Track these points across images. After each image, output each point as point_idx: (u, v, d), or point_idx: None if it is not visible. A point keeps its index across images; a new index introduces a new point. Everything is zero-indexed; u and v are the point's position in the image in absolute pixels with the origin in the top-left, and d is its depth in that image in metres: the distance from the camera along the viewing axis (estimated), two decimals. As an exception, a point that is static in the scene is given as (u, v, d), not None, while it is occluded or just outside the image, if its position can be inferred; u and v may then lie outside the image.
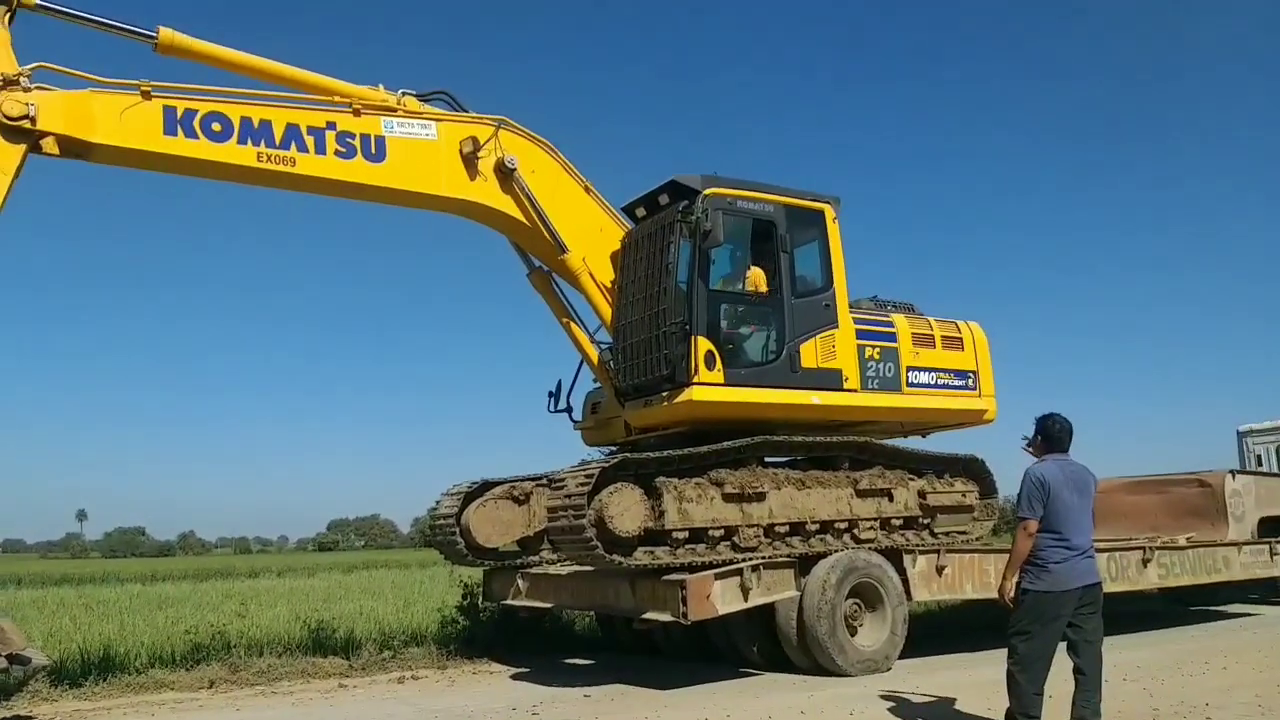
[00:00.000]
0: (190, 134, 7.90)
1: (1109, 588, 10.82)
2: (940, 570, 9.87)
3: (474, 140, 9.20)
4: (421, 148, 9.02)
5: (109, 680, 9.28)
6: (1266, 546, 13.49)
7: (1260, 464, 17.63)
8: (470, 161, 9.23)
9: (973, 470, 10.77)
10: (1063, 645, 5.93)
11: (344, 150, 8.58)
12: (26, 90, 7.32)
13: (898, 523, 10.05)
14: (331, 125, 8.56)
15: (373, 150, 8.73)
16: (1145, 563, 11.66)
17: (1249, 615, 13.67)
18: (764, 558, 8.90)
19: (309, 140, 8.42)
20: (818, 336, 9.67)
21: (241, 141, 8.12)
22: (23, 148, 7.28)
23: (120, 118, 7.64)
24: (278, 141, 8.27)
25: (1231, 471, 14.22)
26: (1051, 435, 6.14)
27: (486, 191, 9.38)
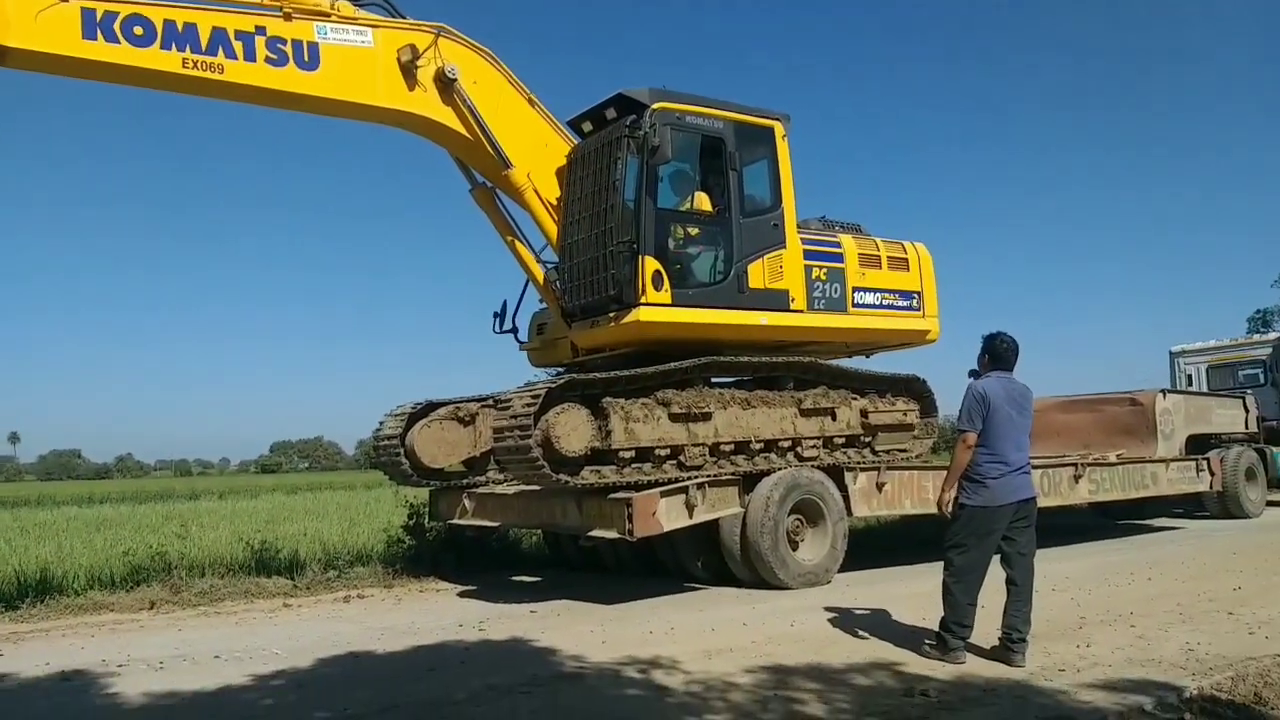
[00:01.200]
0: (111, 38, 7.42)
1: (1042, 503, 11.12)
2: (880, 487, 10.07)
3: (412, 48, 8.84)
4: (357, 55, 8.63)
5: (46, 602, 9.15)
6: (1193, 463, 14.01)
7: (1191, 384, 18.18)
8: (408, 71, 8.86)
9: (914, 390, 10.95)
10: (996, 557, 6.11)
11: (275, 57, 8.15)
12: None
13: (840, 441, 10.20)
14: (261, 30, 8.11)
15: (305, 57, 8.30)
16: (1077, 479, 12.03)
17: (1174, 529, 14.23)
18: (709, 476, 8.99)
19: (237, 46, 7.97)
20: (765, 257, 9.62)
21: (165, 47, 7.65)
22: None
23: (35, 20, 7.14)
24: (204, 47, 7.81)
25: (1162, 391, 14.67)
26: (998, 353, 6.24)
27: (425, 102, 9.04)
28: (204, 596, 9.65)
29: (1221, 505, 14.85)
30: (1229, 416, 15.70)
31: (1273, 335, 19.36)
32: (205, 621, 8.73)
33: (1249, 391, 16.70)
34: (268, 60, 8.13)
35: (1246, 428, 15.87)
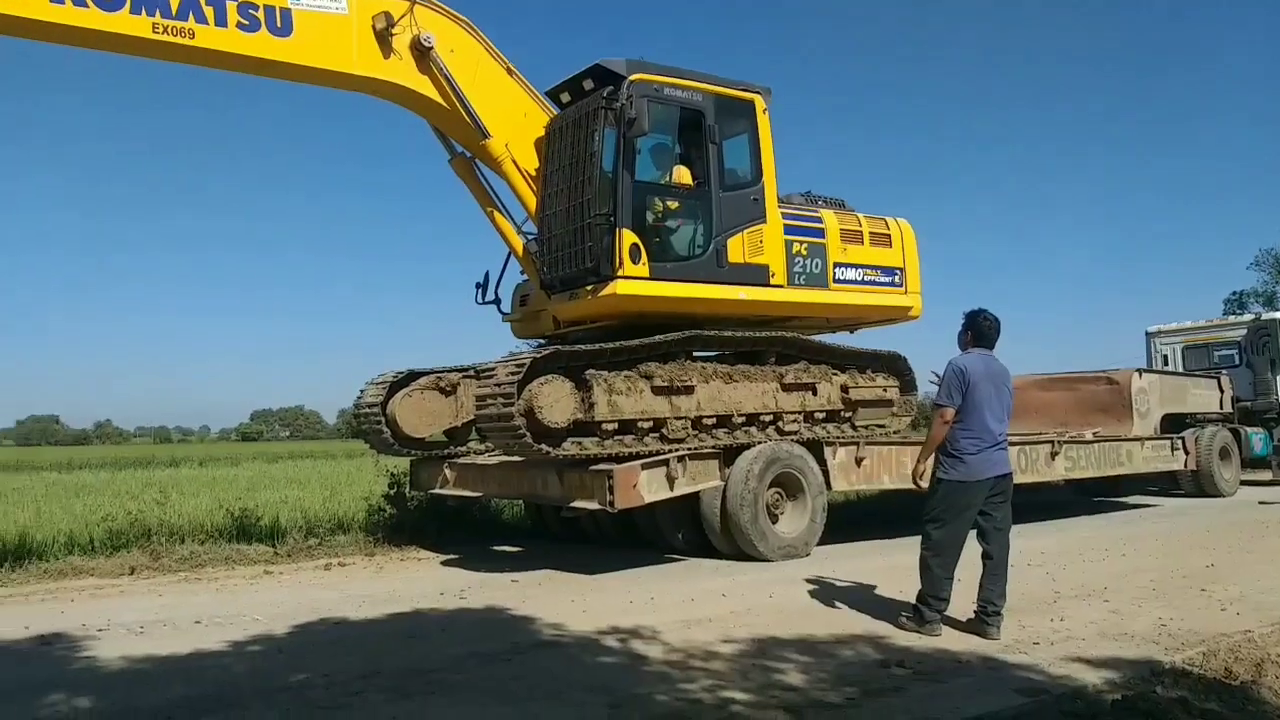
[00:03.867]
0: (79, 1, 7.26)
1: (1019, 479, 11.23)
2: (859, 462, 10.14)
3: (387, 15, 8.68)
4: (331, 22, 8.47)
5: (25, 567, 9.14)
6: (1168, 441, 14.18)
7: (1167, 363, 18.34)
8: (384, 38, 8.71)
9: (894, 366, 11.01)
10: (972, 532, 6.18)
11: (246, 22, 7.99)
12: None
13: (820, 416, 10.27)
14: None
15: (278, 23, 8.14)
16: (1053, 456, 12.15)
17: (1149, 506, 14.40)
18: (689, 449, 9.03)
19: (208, 10, 7.80)
20: (745, 231, 9.63)
21: (135, 11, 7.48)
22: None
23: None
24: (174, 11, 7.63)
25: (1139, 370, 14.81)
26: (980, 330, 6.27)
27: (401, 71, 8.92)
28: (184, 563, 9.65)
29: (1196, 484, 15.03)
30: (1204, 396, 15.87)
31: (1248, 316, 19.50)
32: (186, 587, 8.73)
33: (1224, 372, 16.86)
34: (239, 25, 7.96)
35: (1221, 408, 16.05)
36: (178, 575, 9.29)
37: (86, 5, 7.31)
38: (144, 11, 7.53)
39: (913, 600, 6.26)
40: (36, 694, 5.03)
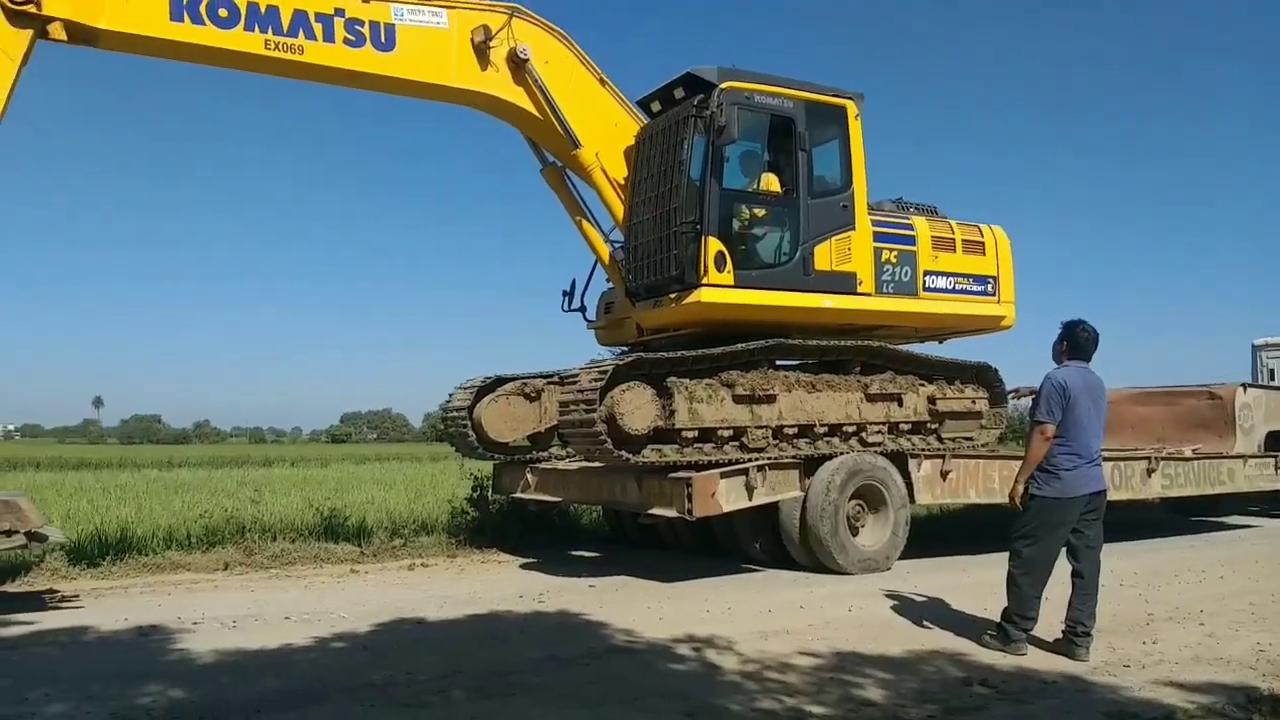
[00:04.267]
0: (196, 20, 7.70)
1: (1113, 496, 10.84)
2: (945, 475, 9.93)
3: (486, 29, 8.91)
4: (432, 36, 8.76)
5: (125, 561, 9.50)
6: (1272, 460, 13.54)
7: (1273, 377, 17.59)
8: (482, 51, 8.95)
9: (984, 378, 10.74)
10: (1062, 550, 6.01)
11: (353, 38, 8.34)
12: None
13: (906, 427, 10.08)
14: (340, 12, 8.29)
15: (382, 38, 8.47)
16: (1150, 473, 11.72)
17: (1249, 527, 13.80)
18: (769, 458, 8.97)
19: (317, 28, 8.18)
20: (833, 238, 9.53)
21: (249, 28, 7.90)
22: (29, 33, 7.15)
23: (127, 2, 7.46)
24: (285, 29, 8.04)
25: (1243, 385, 14.20)
26: (1078, 342, 6.10)
27: (497, 83, 9.13)
28: (275, 560, 9.95)
29: (1301, 504, 14.34)
30: (1314, 413, 15.12)
31: (1363, 330, 18.58)
32: (276, 584, 9.00)
33: (1336, 388, 16.06)
34: (346, 41, 8.31)
35: (1332, 425, 15.27)
36: (269, 572, 9.59)
37: (204, 23, 7.73)
38: (257, 29, 7.93)
39: (998, 618, 6.12)
40: (134, 684, 5.24)
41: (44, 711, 4.75)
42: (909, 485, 9.67)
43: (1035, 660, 5.75)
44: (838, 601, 7.67)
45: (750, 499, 8.79)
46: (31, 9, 7.09)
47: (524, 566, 10.02)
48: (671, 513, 8.55)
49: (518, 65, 9.14)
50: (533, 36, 9.28)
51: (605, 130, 9.81)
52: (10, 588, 8.43)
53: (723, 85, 9.02)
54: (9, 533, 7.01)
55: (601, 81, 9.82)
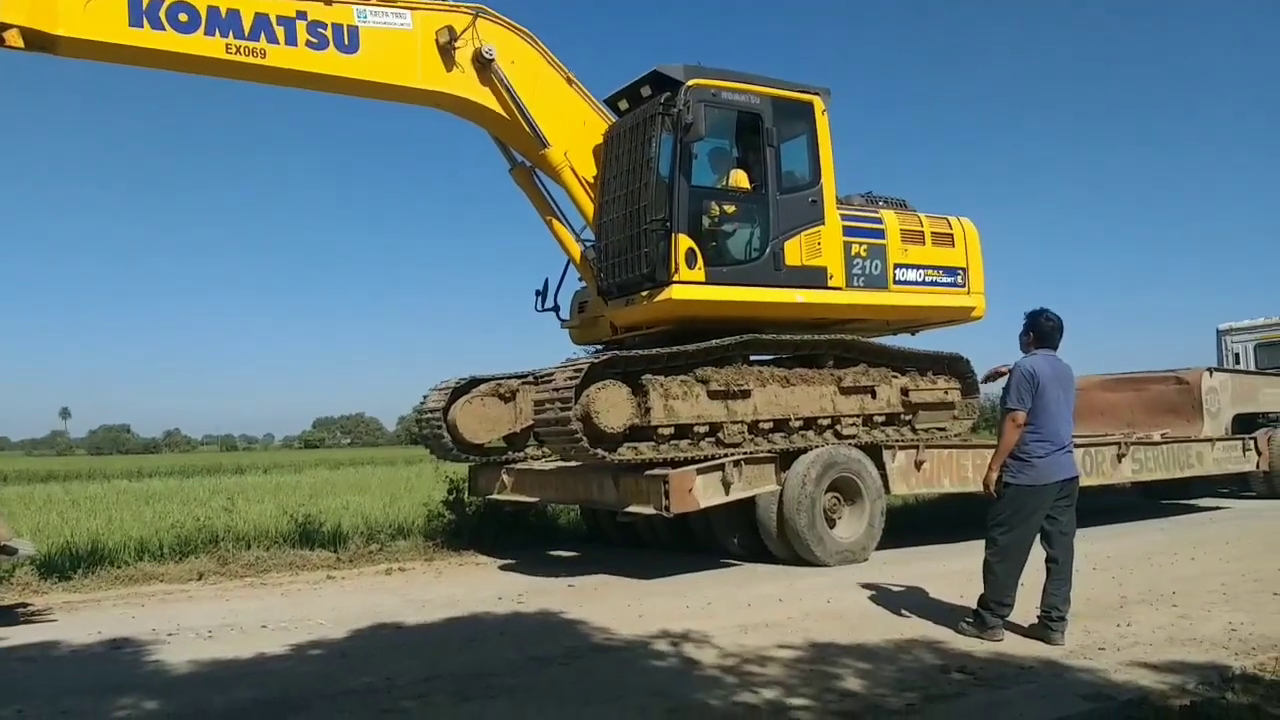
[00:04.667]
0: (156, 25, 7.61)
1: (1084, 482, 10.92)
2: (919, 465, 10.00)
3: (450, 29, 8.87)
4: (395, 38, 8.71)
5: (97, 573, 9.38)
6: (1239, 442, 13.76)
7: (1239, 362, 17.82)
8: (446, 52, 8.91)
9: (956, 368, 10.85)
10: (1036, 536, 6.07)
11: (315, 41, 8.27)
12: None
13: (880, 419, 10.16)
14: (302, 14, 8.22)
15: (345, 41, 8.41)
16: (1120, 458, 11.87)
17: (1219, 509, 14.00)
18: (745, 453, 9.00)
19: (279, 30, 8.10)
20: (803, 233, 9.56)
21: (209, 32, 7.81)
22: None
23: (84, 9, 7.36)
24: (246, 32, 7.95)
25: (1209, 369, 14.40)
26: (1043, 331, 6.17)
27: (463, 83, 9.09)
28: (250, 568, 9.86)
29: (1268, 485, 14.56)
30: (1277, 395, 15.37)
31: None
32: (252, 592, 8.92)
33: (1299, 370, 16.32)
34: (308, 44, 8.25)
35: (1295, 407, 15.53)
36: (244, 580, 9.50)
37: (164, 28, 7.65)
38: (218, 33, 7.85)
39: (974, 605, 6.17)
40: (109, 697, 5.18)
41: (17, 728, 4.68)
42: (884, 477, 9.72)
43: (1011, 646, 5.80)
44: (816, 593, 7.71)
45: (727, 494, 8.81)
46: None
47: (502, 568, 9.99)
48: (649, 510, 8.55)
49: (483, 65, 9.11)
50: (498, 36, 9.25)
51: (573, 129, 9.79)
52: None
53: (689, 82, 9.03)
54: None
55: (569, 80, 9.81)
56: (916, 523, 12.35)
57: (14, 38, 7.18)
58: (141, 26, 7.56)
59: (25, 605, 8.22)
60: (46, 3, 7.25)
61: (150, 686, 5.40)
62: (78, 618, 7.70)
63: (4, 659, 6.25)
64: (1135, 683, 4.91)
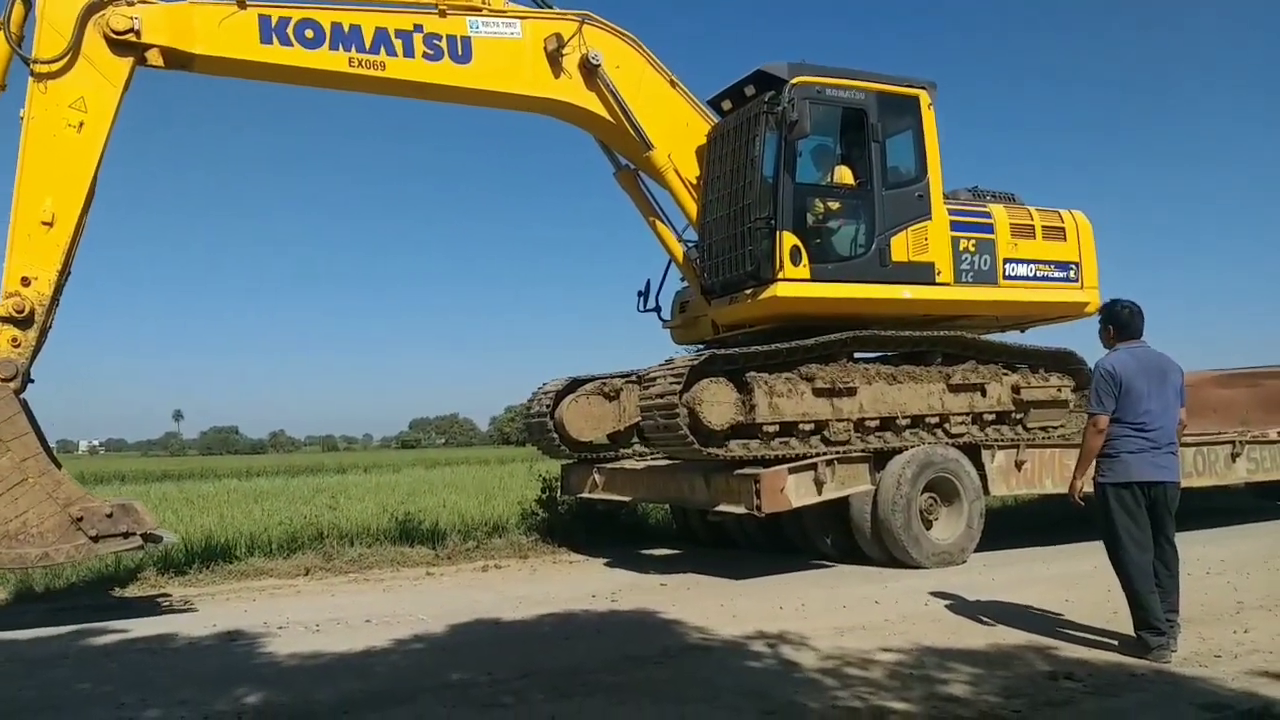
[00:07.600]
0: (285, 41, 8.09)
1: (1196, 482, 10.61)
2: (1019, 465, 9.74)
3: (558, 37, 9.10)
4: (506, 47, 8.98)
5: (212, 568, 9.75)
6: (1363, 441, 13.01)
7: (1362, 356, 16.89)
8: (555, 59, 9.15)
9: (1068, 365, 10.46)
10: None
11: (431, 52, 8.63)
12: (131, 4, 7.61)
13: (990, 417, 9.90)
14: (419, 28, 8.59)
15: (459, 51, 8.74)
16: (1234, 457, 11.36)
17: (1341, 511, 13.27)
18: (837, 453, 8.89)
19: (397, 44, 8.50)
20: (909, 229, 9.43)
21: (333, 47, 8.26)
22: (130, 61, 7.63)
23: (219, 28, 7.88)
24: (367, 46, 8.37)
25: (1332, 363, 13.68)
26: (1121, 321, 5.81)
27: (571, 89, 9.30)
28: (354, 564, 10.15)
29: (1395, 487, 13.74)
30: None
31: None
32: (355, 587, 9.19)
33: None
34: (425, 56, 8.61)
35: None
36: (348, 576, 9.79)
37: (292, 44, 8.13)
38: (341, 47, 8.30)
39: (1077, 615, 5.90)
40: (224, 688, 5.38)
41: (140, 717, 4.90)
42: (983, 477, 9.50)
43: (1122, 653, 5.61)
44: (913, 596, 7.58)
45: (819, 494, 8.72)
46: (131, 37, 7.54)
47: (595, 566, 10.08)
48: (740, 509, 8.52)
49: (590, 71, 9.28)
50: (603, 42, 9.42)
51: (677, 131, 9.90)
52: (107, 596, 8.73)
53: (794, 80, 9.00)
54: (127, 534, 7.25)
55: (672, 83, 9.92)
56: (1019, 524, 12.02)
57: (155, 57, 7.74)
58: (271, 44, 8.05)
59: (165, 596, 8.69)
60: (184, 23, 7.79)
61: (263, 678, 5.61)
62: (193, 611, 8.04)
63: (127, 649, 6.56)
64: (1255, 692, 4.70)
